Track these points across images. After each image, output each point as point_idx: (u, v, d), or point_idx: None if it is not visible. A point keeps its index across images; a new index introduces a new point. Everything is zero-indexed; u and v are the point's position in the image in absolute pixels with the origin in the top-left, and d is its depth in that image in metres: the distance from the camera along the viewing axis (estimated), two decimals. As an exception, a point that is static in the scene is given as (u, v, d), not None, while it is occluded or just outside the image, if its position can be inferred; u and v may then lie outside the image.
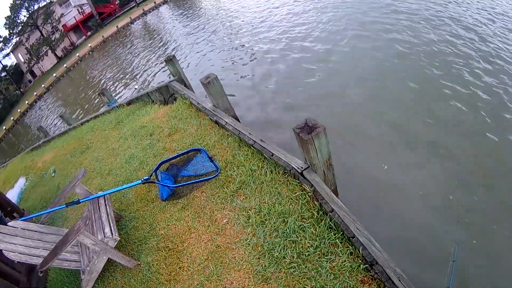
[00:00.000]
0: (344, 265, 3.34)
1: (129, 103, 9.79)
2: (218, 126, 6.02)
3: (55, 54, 60.15)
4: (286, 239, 3.73)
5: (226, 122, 5.71)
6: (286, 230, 3.80)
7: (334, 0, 17.87)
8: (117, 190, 4.94)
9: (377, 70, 10.28)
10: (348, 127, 8.13)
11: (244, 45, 16.74)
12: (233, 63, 15.00)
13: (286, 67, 12.58)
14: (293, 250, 3.61)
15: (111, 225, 4.40)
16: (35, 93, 47.05)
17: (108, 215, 4.57)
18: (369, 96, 9.08)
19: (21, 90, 60.38)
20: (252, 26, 19.31)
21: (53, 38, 59.60)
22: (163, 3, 51.86)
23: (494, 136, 7.02)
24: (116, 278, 4.49)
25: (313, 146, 3.83)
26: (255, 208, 4.23)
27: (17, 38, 60.45)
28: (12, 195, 10.32)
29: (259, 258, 3.71)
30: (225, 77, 12.95)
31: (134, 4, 62.57)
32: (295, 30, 15.99)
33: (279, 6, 21.37)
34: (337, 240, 3.53)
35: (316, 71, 11.38)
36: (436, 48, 10.49)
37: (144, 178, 4.83)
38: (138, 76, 21.82)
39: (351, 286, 3.20)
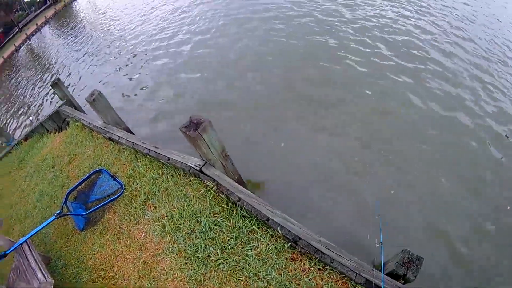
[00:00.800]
0: (269, 248, 3.31)
1: (26, 138, 8.96)
2: (113, 142, 5.69)
3: None
4: (205, 238, 3.63)
5: (119, 137, 5.40)
6: (202, 229, 3.70)
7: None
8: (36, 232, 4.61)
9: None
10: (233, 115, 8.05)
11: (125, 53, 16.25)
12: (118, 72, 14.33)
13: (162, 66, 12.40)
14: (215, 247, 3.52)
15: (42, 269, 4.09)
16: None
17: (36, 260, 4.25)
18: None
19: None
20: (131, 32, 18.96)
21: None
22: (44, 24, 48.61)
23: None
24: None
25: (203, 142, 3.68)
26: (167, 216, 4.06)
27: None
28: None
29: (186, 264, 3.59)
30: (113, 91, 12.26)
31: (17, 30, 58.09)
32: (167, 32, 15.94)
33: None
34: (253, 226, 3.50)
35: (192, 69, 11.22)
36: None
37: (57, 212, 4.55)
38: (31, 107, 20.26)
39: (283, 266, 3.18)
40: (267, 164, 6.40)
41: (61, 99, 7.94)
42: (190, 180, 4.21)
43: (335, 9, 12.81)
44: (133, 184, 4.69)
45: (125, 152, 5.29)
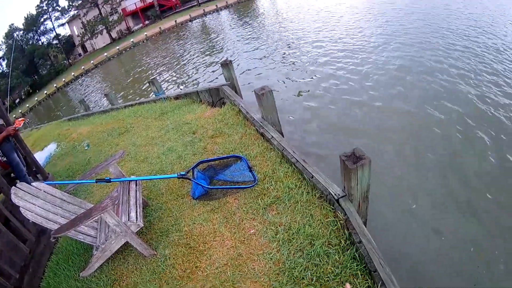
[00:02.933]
0: None
1: (176, 97, 9.97)
2: (263, 138, 6.05)
3: (110, 35, 61.78)
4: (309, 261, 3.72)
5: (272, 136, 5.74)
6: (311, 252, 3.80)
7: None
8: (151, 179, 5.06)
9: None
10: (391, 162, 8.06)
11: (299, 62, 16.54)
12: (286, 79, 14.80)
13: (341, 94, 12.30)
14: (313, 273, 3.59)
15: (138, 210, 4.47)
16: (83, 67, 48.34)
17: (136, 200, 4.65)
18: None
19: (70, 61, 62.17)
20: (312, 45, 19.05)
21: (110, 19, 61.23)
22: (225, 7, 52.58)
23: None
24: (128, 262, 4.56)
25: (355, 176, 3.84)
26: (284, 225, 4.22)
27: (75, 11, 62.32)
28: (40, 156, 10.65)
29: (278, 274, 3.70)
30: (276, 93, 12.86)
31: (196, 3, 63.73)
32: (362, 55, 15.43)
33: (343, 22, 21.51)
34: (358, 271, 3.50)
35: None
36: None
37: (181, 173, 4.89)
38: (188, 73, 22.04)
39: None
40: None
41: (226, 79, 8.73)
42: (322, 204, 4.35)
43: None
44: (267, 183, 4.95)
45: (272, 153, 5.59)
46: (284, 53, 18.59)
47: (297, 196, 4.60)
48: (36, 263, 5.47)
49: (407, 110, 9.97)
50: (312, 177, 4.64)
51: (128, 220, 4.27)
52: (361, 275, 3.49)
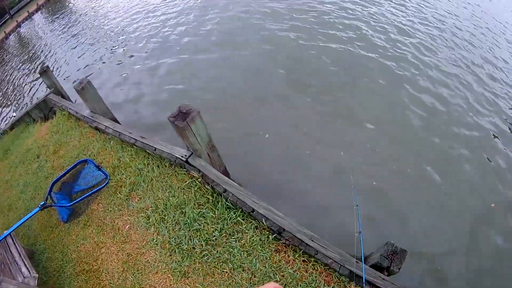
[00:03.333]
0: (253, 240, 3.39)
1: (11, 127, 9.05)
2: (99, 132, 5.78)
3: None
4: (189, 230, 3.70)
5: (106, 126, 5.49)
6: (187, 220, 3.77)
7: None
8: (19, 224, 4.72)
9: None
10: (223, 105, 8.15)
11: (117, 45, 16.04)
12: (109, 63, 14.31)
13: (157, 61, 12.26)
14: (199, 238, 3.59)
15: (26, 263, 4.20)
16: None
17: (20, 254, 4.35)
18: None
19: None
20: (125, 25, 18.79)
21: None
22: (36, 11, 48.69)
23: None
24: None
25: (191, 132, 3.77)
26: (151, 207, 4.15)
27: None
28: None
29: (171, 255, 3.67)
30: (103, 80, 12.35)
31: (8, 17, 58.17)
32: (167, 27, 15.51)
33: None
34: (238, 218, 3.58)
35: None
36: None
37: (41, 204, 4.66)
38: (16, 98, 20.40)
39: (267, 257, 3.27)
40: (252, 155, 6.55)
41: (48, 87, 8.03)
42: (175, 171, 4.29)
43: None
44: (118, 174, 4.77)
45: (111, 142, 5.36)
46: (107, 44, 17.75)
47: (150, 173, 4.50)
48: None
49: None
50: (155, 150, 4.55)
51: (24, 277, 4.00)
52: (243, 219, 3.57)
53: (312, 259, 3.17)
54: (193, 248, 3.56)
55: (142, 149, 4.78)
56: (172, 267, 3.56)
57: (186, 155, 4.13)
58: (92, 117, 5.91)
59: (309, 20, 11.54)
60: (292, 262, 3.21)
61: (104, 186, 4.75)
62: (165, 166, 4.44)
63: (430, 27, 11.21)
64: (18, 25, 47.14)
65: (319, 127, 6.81)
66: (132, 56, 13.51)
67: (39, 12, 47.88)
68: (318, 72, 8.50)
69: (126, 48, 14.79)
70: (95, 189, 4.80)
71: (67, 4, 41.05)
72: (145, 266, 3.74)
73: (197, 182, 3.98)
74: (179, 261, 3.55)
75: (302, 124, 6.91)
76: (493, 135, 7.00)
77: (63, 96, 7.92)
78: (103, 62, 14.51)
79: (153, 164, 4.57)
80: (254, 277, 3.21)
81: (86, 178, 5.09)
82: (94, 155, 5.38)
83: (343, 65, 8.80)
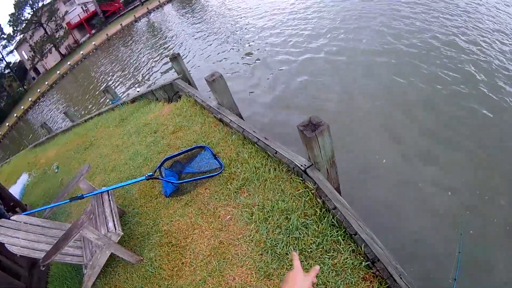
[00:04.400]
0: (346, 262, 3.36)
1: (133, 100, 9.88)
2: (223, 124, 6.05)
3: (59, 52, 60.33)
4: (289, 236, 3.74)
5: (231, 120, 5.73)
6: (289, 227, 3.82)
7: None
8: (121, 186, 4.98)
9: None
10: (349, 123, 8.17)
11: (249, 45, 16.58)
12: (237, 63, 14.92)
13: (292, 68, 12.46)
14: (295, 246, 3.62)
15: (115, 220, 4.45)
16: (38, 90, 47.25)
17: (111, 210, 4.61)
18: (372, 95, 9.11)
19: (25, 87, 60.63)
20: (259, 27, 18.95)
21: (57, 36, 59.79)
22: (167, 2, 51.92)
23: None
24: (118, 273, 4.55)
25: (316, 144, 3.85)
26: (258, 205, 4.25)
27: (21, 36, 60.68)
28: (15, 190, 10.41)
29: (261, 254, 3.73)
30: (229, 77, 12.89)
31: (138, 3, 62.70)
32: (304, 33, 15.50)
33: (285, 7, 21.16)
34: (339, 237, 3.54)
35: (321, 73, 11.29)
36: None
37: (148, 174, 4.85)
38: (141, 74, 21.86)
39: (353, 283, 3.22)
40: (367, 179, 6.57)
41: (177, 73, 8.65)
42: (291, 177, 4.37)
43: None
44: (234, 167, 4.96)
45: (233, 136, 5.59)
46: (235, 40, 18.43)
47: (265, 174, 4.62)
48: (33, 297, 5.41)
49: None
50: (276, 153, 4.65)
51: (108, 231, 4.24)
52: (343, 240, 3.53)
53: None
54: (286, 254, 3.60)
55: (263, 150, 4.94)
56: (258, 265, 3.63)
57: (306, 165, 4.24)
58: (218, 108, 6.24)
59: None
60: None
61: (216, 175, 4.96)
62: (282, 170, 4.55)
63: None
64: (148, 12, 50.61)
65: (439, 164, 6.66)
66: (259, 59, 14.00)
67: (170, 4, 50.58)
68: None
69: (256, 51, 15.20)
70: (207, 175, 5.02)
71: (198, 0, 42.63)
72: (232, 257, 3.86)
73: (310, 193, 4.04)
74: (267, 262, 3.62)
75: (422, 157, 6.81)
76: None
77: (190, 83, 8.47)
78: (231, 62, 15.10)
79: (270, 165, 4.71)
80: None
81: (200, 163, 5.35)
82: (213, 144, 5.65)
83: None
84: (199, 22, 27.80)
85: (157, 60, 23.00)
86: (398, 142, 7.27)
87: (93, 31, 62.52)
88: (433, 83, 8.72)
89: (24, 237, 4.22)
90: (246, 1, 28.13)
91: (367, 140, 7.56)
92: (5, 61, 62.57)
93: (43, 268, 4.96)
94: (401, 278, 3.14)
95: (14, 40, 61.35)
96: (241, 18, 23.02)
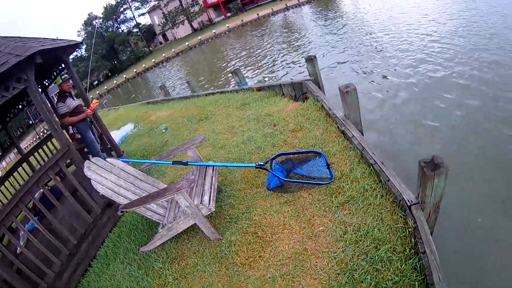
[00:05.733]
0: None
1: (259, 89, 10.22)
2: (344, 136, 6.07)
3: (191, 25, 63.58)
4: (371, 265, 3.73)
5: (353, 135, 5.75)
6: (375, 256, 3.81)
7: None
8: (229, 166, 5.29)
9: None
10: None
11: (385, 63, 15.76)
12: (369, 77, 14.49)
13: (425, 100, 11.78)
14: (373, 277, 3.60)
15: (212, 195, 4.67)
16: (163, 55, 50.21)
17: (211, 185, 4.85)
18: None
19: (150, 48, 64.62)
20: (399, 43, 18.01)
21: (191, 10, 62.78)
22: (307, 3, 52.45)
23: None
24: (191, 243, 4.82)
25: (431, 184, 3.81)
26: (354, 226, 4.26)
27: (156, 2, 64.45)
28: (115, 135, 11.30)
29: (338, 274, 3.75)
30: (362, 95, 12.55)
31: (280, -1, 64.09)
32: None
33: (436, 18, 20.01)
34: (416, 282, 3.48)
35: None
36: None
37: (259, 163, 5.09)
38: (269, 66, 22.30)
39: None
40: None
41: (310, 74, 8.83)
42: (394, 209, 4.33)
43: None
44: (343, 182, 4.96)
45: (351, 152, 5.59)
46: (369, 52, 18.10)
47: (371, 198, 4.60)
48: (97, 233, 5.93)
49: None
50: (388, 181, 4.62)
51: (201, 203, 4.47)
52: (418, 286, 3.50)
53: None
54: (362, 282, 3.58)
55: (376, 174, 4.93)
56: (331, 284, 3.64)
57: (412, 202, 4.18)
58: (343, 120, 6.28)
59: None
60: None
61: (325, 184, 5.01)
62: (388, 200, 4.50)
63: None
64: (286, 8, 51.49)
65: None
66: (392, 80, 13.41)
67: (308, 5, 50.90)
68: None
69: (390, 70, 14.60)
70: (314, 182, 5.10)
71: (337, 5, 42.40)
72: (310, 267, 3.90)
73: (406, 230, 3.99)
74: (341, 283, 3.61)
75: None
76: None
77: (320, 87, 8.62)
78: (363, 75, 14.78)
79: (378, 191, 4.67)
80: None
81: (311, 167, 5.41)
82: (329, 154, 5.70)
83: None
84: (335, 28, 27.73)
85: (286, 57, 23.36)
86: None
87: (228, 14, 65.02)
88: None
89: (113, 181, 4.64)
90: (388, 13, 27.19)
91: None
92: (136, 21, 66.97)
93: (121, 214, 5.36)
94: None
95: (148, 5, 65.36)
96: (380, 30, 22.33)
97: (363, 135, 6.19)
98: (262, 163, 5.09)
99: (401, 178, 4.71)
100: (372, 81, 13.88)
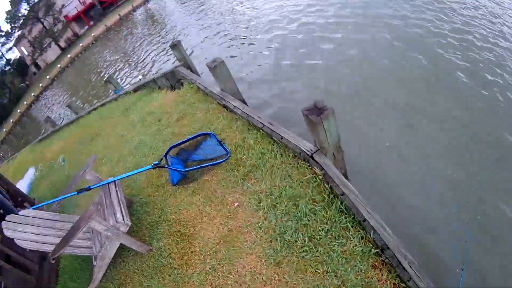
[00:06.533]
0: (355, 249, 3.35)
1: (135, 89, 9.81)
2: (227, 110, 5.99)
3: (59, 45, 60.13)
4: (297, 223, 3.73)
5: (235, 106, 5.68)
6: (298, 213, 3.80)
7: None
8: (128, 176, 4.98)
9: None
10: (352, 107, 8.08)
11: (249, 31, 16.39)
12: (239, 48, 14.79)
13: (293, 52, 12.32)
14: (304, 233, 3.61)
15: (122, 210, 4.43)
16: (40, 85, 47.24)
17: (119, 201, 4.61)
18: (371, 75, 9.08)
19: (27, 82, 60.63)
20: (259, 12, 18.51)
21: (55, 30, 59.48)
22: (166, -12, 51.39)
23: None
24: (128, 264, 4.57)
25: (322, 128, 3.81)
26: (266, 192, 4.22)
27: (19, 32, 60.53)
28: (22, 185, 10.40)
29: (271, 242, 3.73)
30: (231, 63, 12.68)
31: (136, -9, 62.22)
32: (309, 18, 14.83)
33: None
34: (348, 223, 3.53)
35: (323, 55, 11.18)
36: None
37: (154, 163, 4.88)
38: (142, 64, 21.77)
39: (362, 270, 3.21)
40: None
41: (179, 60, 8.57)
42: (298, 163, 4.33)
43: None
44: (239, 154, 4.92)
45: (238, 122, 5.54)
46: (235, 28, 18.17)
47: (272, 160, 4.58)
48: (45, 291, 5.44)
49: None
50: (282, 138, 4.60)
51: (116, 222, 4.24)
52: (352, 226, 3.51)
53: (403, 285, 3.08)
54: (295, 241, 3.59)
55: (268, 135, 4.89)
56: (268, 253, 3.63)
57: (312, 150, 4.19)
58: (221, 95, 6.18)
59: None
60: (384, 282, 3.11)
61: (223, 161, 4.94)
62: (288, 156, 4.51)
63: None
64: (146, 0, 50.08)
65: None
66: (262, 50, 13.70)
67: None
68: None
69: (256, 39, 15.02)
70: (213, 162, 5.01)
71: None
72: (241, 245, 3.85)
73: (317, 179, 4.00)
74: (277, 249, 3.61)
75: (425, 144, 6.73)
76: None
77: (192, 71, 8.40)
78: (233, 53, 14.78)
79: (276, 151, 4.65)
80: (344, 286, 3.17)
81: (205, 150, 5.33)
82: (217, 131, 5.61)
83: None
84: (197, 9, 27.45)
85: (158, 50, 22.83)
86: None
87: (91, 23, 62.08)
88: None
89: (33, 232, 4.24)
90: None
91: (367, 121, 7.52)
92: (5, 58, 62.51)
93: (53, 261, 4.99)
94: (410, 266, 3.10)
95: (13, 37, 61.24)
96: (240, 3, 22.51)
97: (245, 103, 6.13)
98: (158, 162, 4.91)
99: (296, 132, 4.73)
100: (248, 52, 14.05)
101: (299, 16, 15.08)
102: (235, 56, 14.03)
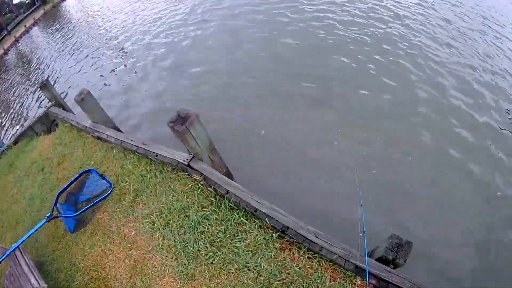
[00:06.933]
0: (257, 239, 3.40)
1: (15, 142, 9.14)
2: (102, 141, 5.82)
3: None
4: (194, 233, 3.73)
5: (108, 135, 5.54)
6: (191, 223, 3.81)
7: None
8: (27, 237, 4.75)
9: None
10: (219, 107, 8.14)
11: (121, 51, 16.33)
12: (112, 72, 14.45)
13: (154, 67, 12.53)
14: (204, 241, 3.62)
15: (35, 274, 4.24)
16: None
17: (29, 266, 4.39)
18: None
19: None
20: (124, 32, 18.85)
21: None
22: (33, 25, 48.70)
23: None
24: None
25: (190, 136, 3.81)
26: (156, 212, 4.18)
27: None
28: None
29: (176, 259, 3.70)
30: (102, 90, 12.57)
31: (6, 32, 58.22)
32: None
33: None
34: (242, 218, 3.60)
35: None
36: None
37: (47, 215, 4.70)
38: (21, 112, 20.53)
39: (272, 256, 3.28)
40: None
41: (49, 100, 8.09)
42: (178, 175, 4.33)
43: None
44: (122, 182, 4.81)
45: (114, 151, 5.41)
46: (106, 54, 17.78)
47: (153, 179, 4.54)
48: None
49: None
50: (157, 155, 4.58)
51: None
52: (246, 220, 3.58)
53: (317, 256, 3.18)
54: (199, 250, 3.59)
55: (144, 156, 4.82)
56: (178, 270, 3.60)
57: (187, 159, 4.17)
58: (93, 127, 5.96)
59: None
60: (297, 260, 3.22)
61: (108, 195, 4.79)
62: (168, 171, 4.48)
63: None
64: (16, 40, 47.17)
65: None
66: (126, 65, 13.76)
67: (36, 26, 47.81)
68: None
69: (123, 59, 14.94)
70: (99, 198, 4.85)
71: (63, 16, 40.85)
72: (152, 271, 3.78)
73: (199, 185, 4.02)
74: (185, 264, 3.59)
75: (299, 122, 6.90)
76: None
77: (64, 108, 7.99)
78: (101, 75, 14.54)
79: (155, 169, 4.61)
80: (260, 276, 3.23)
81: (90, 187, 5.15)
82: (97, 165, 5.43)
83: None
84: (69, 40, 26.32)
85: (33, 92, 21.67)
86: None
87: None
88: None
89: None
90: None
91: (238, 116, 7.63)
92: None
93: None
94: (317, 236, 3.15)
95: None
96: (106, 27, 22.51)
97: (119, 129, 5.98)
98: (50, 214, 4.72)
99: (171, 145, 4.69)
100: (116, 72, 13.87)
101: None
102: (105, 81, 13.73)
